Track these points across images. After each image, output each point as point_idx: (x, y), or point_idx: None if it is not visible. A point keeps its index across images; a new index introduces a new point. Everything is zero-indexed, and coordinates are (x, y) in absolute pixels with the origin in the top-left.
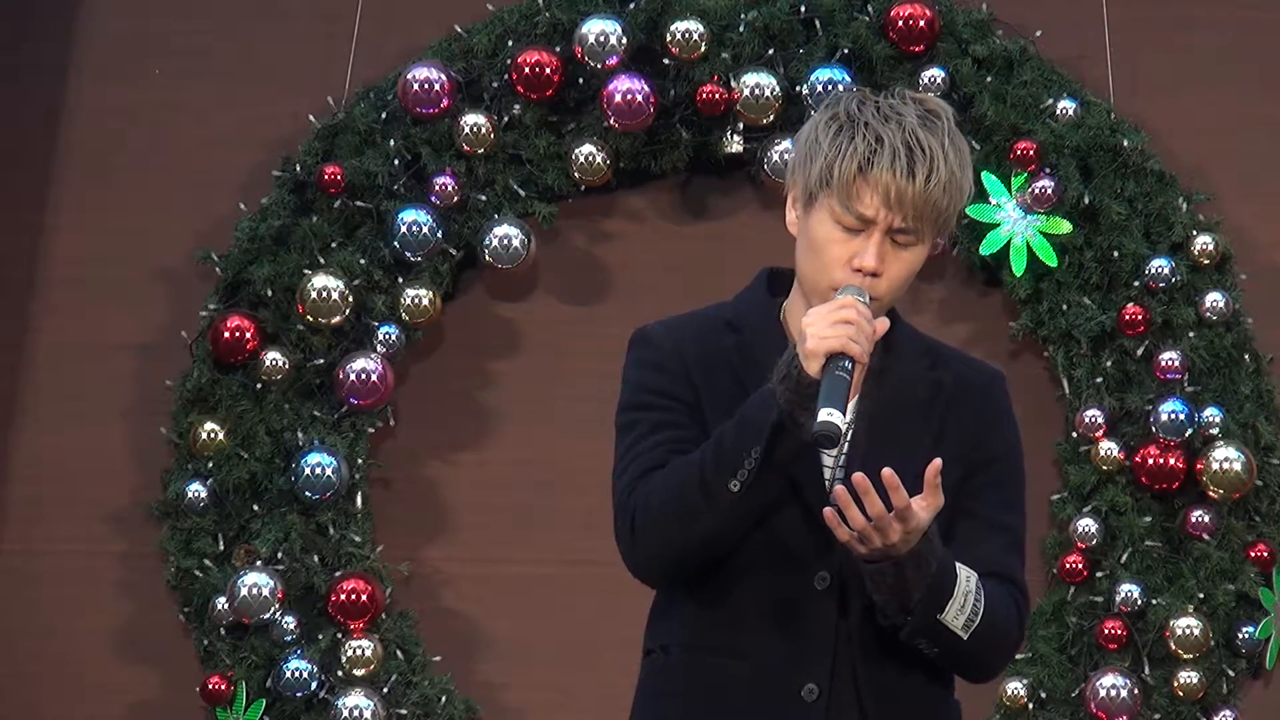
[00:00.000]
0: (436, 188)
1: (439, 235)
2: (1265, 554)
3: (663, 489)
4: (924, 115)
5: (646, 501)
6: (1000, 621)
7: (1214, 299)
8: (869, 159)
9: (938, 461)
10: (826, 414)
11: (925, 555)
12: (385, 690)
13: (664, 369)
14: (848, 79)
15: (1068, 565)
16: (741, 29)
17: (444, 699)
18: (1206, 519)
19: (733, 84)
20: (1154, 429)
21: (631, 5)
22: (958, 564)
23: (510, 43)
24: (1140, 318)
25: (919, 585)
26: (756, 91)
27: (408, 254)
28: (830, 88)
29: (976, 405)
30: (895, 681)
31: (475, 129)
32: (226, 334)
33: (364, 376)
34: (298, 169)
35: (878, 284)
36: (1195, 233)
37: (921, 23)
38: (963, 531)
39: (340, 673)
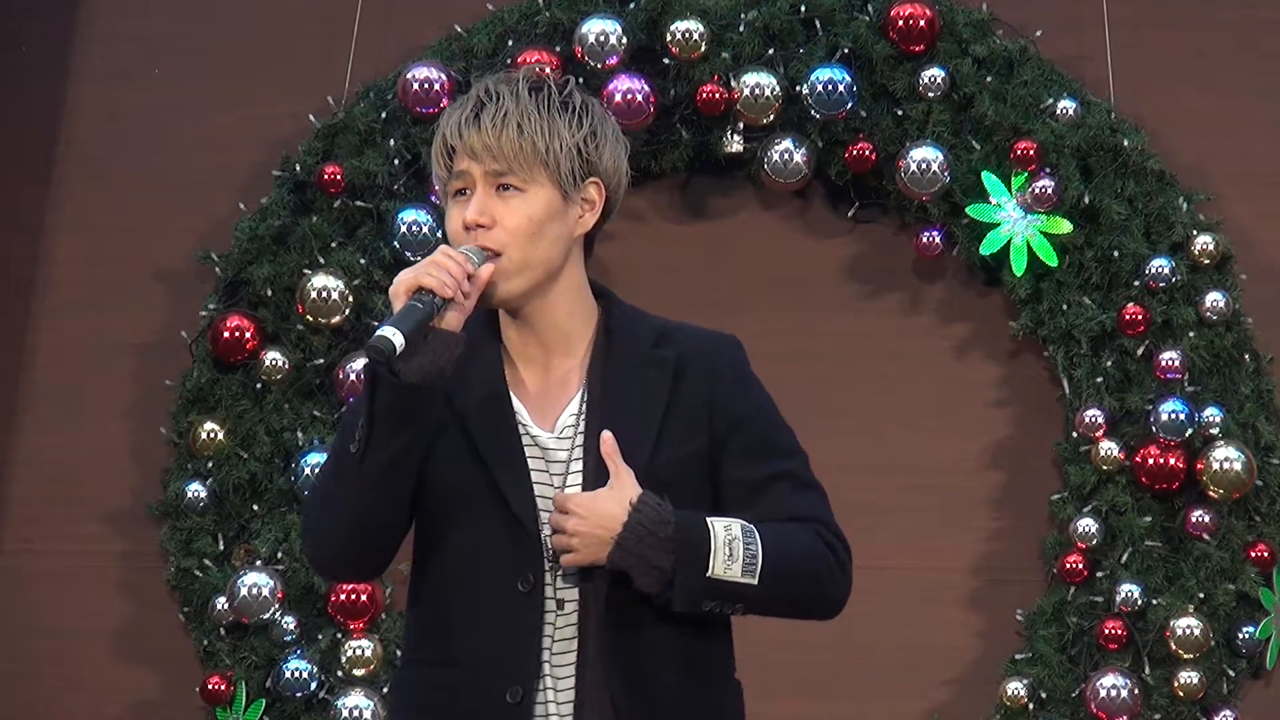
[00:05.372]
0: (436, 188)
1: (439, 235)
2: (1265, 554)
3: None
4: (524, 81)
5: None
6: (798, 553)
7: (1214, 299)
8: (451, 127)
9: (608, 435)
10: (382, 332)
11: (645, 525)
12: (385, 690)
13: None
14: (848, 79)
15: (1068, 565)
16: (741, 29)
17: None
18: (1207, 519)
19: (733, 84)
20: (1154, 429)
21: (631, 5)
22: (710, 519)
23: (510, 43)
24: (1140, 318)
25: (659, 553)
26: (756, 91)
27: (408, 254)
28: (830, 88)
29: (708, 374)
30: (652, 671)
31: None
32: (226, 334)
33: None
34: (298, 169)
35: (493, 235)
36: (1195, 233)
37: (921, 23)
38: (736, 500)
39: (340, 673)
